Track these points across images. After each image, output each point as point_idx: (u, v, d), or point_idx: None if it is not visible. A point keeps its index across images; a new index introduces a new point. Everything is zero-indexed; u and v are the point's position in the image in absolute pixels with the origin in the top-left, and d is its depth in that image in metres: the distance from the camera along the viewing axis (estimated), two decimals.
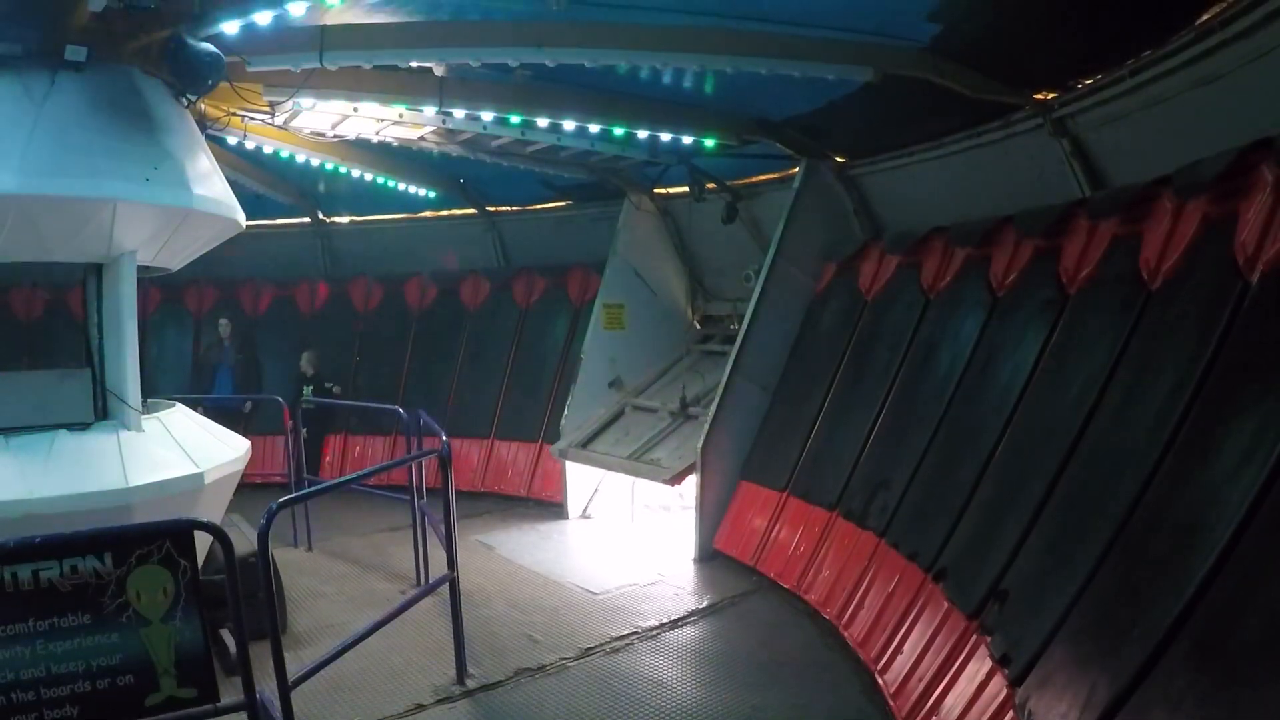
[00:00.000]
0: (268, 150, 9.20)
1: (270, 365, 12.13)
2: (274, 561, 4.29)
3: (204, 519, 4.14)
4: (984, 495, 5.56)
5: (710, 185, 9.75)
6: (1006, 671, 4.36)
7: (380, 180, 10.58)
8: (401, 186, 10.85)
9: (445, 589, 6.02)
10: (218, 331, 11.83)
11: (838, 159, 8.58)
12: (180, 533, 3.88)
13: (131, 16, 5.48)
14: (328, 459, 11.84)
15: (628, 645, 6.60)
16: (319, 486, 5.98)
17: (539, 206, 11.99)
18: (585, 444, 10.17)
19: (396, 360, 12.51)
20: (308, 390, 11.04)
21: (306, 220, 12.83)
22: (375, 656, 5.87)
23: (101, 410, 5.62)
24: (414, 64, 6.95)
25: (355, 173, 10.21)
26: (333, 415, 11.56)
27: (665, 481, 8.91)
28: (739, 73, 6.44)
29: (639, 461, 9.40)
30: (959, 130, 7.12)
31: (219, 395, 11.15)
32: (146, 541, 3.80)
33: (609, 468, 9.79)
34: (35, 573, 3.62)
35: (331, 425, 11.77)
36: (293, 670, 4.36)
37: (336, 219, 13.02)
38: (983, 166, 7.16)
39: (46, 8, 5.21)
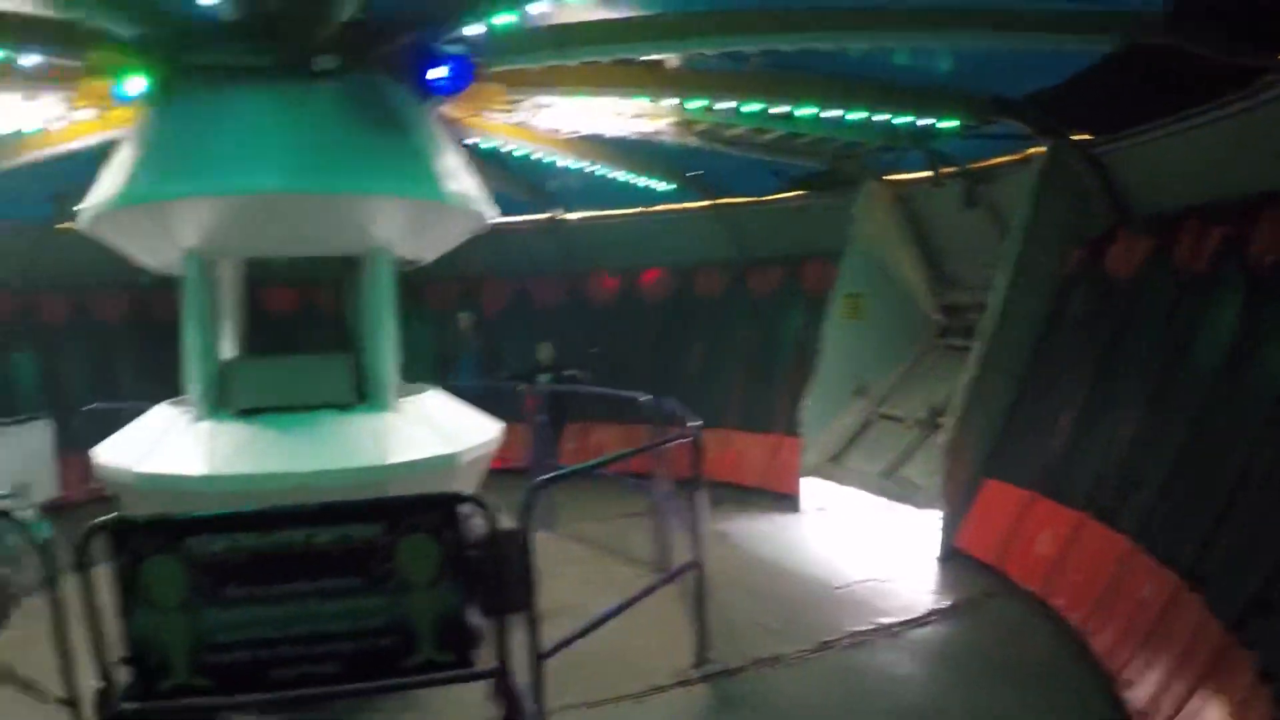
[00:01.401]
0: (505, 149, 9.56)
1: (510, 358, 12.63)
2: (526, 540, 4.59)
3: None
4: (1248, 497, 5.09)
5: (948, 169, 9.37)
6: (1271, 690, 4.02)
7: (614, 175, 10.80)
8: (635, 181, 11.04)
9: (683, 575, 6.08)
10: (460, 324, 12.54)
11: (1081, 136, 8.02)
12: (448, 505, 4.16)
13: (377, 25, 5.91)
14: (567, 446, 12.11)
15: (866, 641, 6.51)
16: (574, 468, 6.17)
17: (771, 197, 11.86)
18: (835, 459, 10.13)
19: (632, 352, 12.79)
20: (546, 379, 11.38)
21: (542, 216, 13.22)
22: (614, 637, 5.92)
23: (362, 393, 6.05)
24: (652, 57, 7.10)
25: (590, 168, 10.47)
26: (571, 404, 11.75)
27: (921, 507, 8.73)
28: (976, 49, 6.20)
29: (891, 480, 9.29)
30: (1208, 100, 6.48)
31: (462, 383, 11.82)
32: (417, 512, 4.11)
33: (862, 487, 9.70)
34: (309, 537, 4.00)
35: (570, 413, 11.96)
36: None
37: (571, 214, 13.34)
38: (1238, 138, 6.49)
39: (297, 21, 5.68)
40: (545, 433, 9.56)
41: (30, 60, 6.23)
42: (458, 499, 4.24)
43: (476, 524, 4.27)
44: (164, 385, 7.09)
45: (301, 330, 12.07)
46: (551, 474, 5.17)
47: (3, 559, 6.81)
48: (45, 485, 8.77)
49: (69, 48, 5.99)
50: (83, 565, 3.88)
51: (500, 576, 4.29)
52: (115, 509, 5.33)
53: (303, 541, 4.00)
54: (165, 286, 10.75)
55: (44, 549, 4.15)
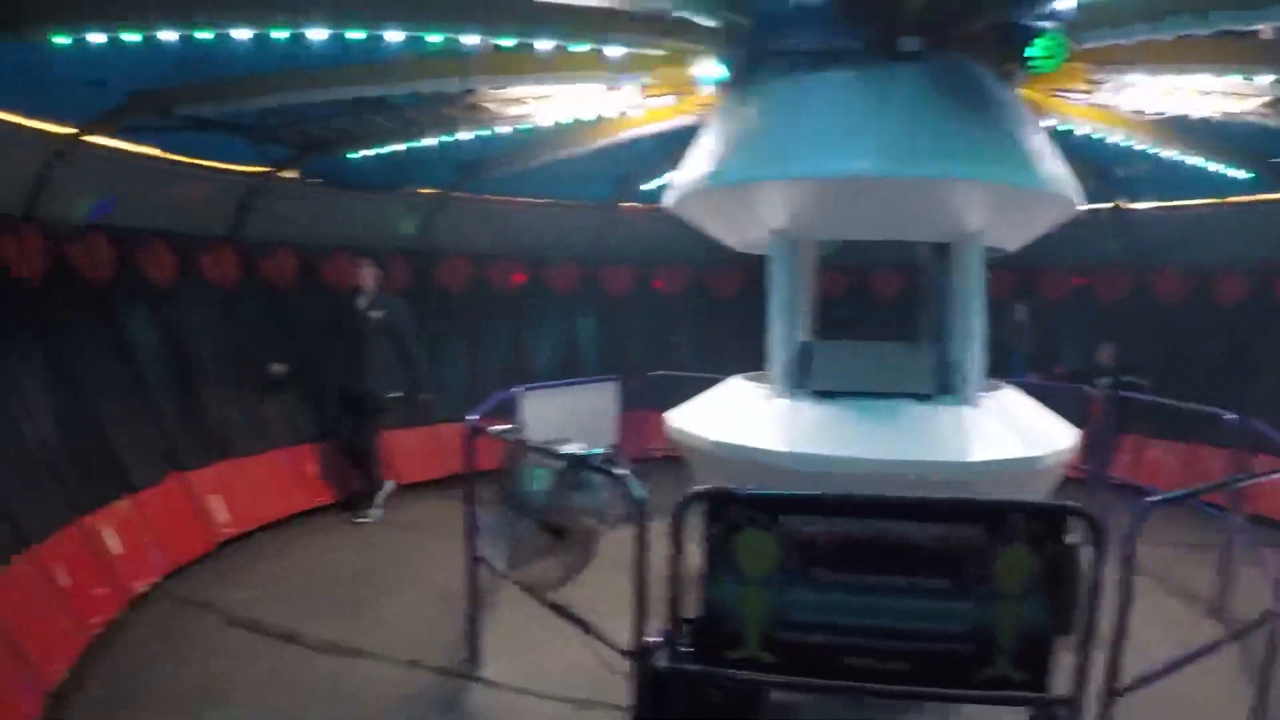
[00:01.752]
0: (1067, 130, 8.76)
1: (1067, 357, 11.97)
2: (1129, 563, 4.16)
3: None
4: None
5: None
6: None
7: (1186, 161, 9.55)
8: (1209, 168, 9.66)
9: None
10: (1014, 316, 11.92)
11: None
12: (1055, 515, 3.89)
13: (961, 3, 5.69)
14: (1121, 460, 10.89)
15: None
16: (1185, 492, 5.29)
17: None
18: None
19: (1200, 360, 11.48)
20: (1103, 383, 10.47)
21: (1102, 205, 11.85)
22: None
23: (943, 384, 5.86)
24: (1255, 26, 6.15)
25: (1161, 153, 9.34)
26: (1130, 414, 10.51)
27: None
28: None
29: None
30: None
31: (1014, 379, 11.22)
32: (1025, 520, 3.84)
33: None
34: (906, 530, 3.89)
35: (1126, 424, 10.77)
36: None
37: (1137, 204, 12.02)
38: None
39: (881, 3, 5.64)
40: (1104, 442, 8.74)
41: (615, 51, 6.81)
42: (1070, 511, 3.91)
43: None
44: (717, 357, 7.40)
45: (851, 314, 11.90)
46: (1168, 495, 4.61)
47: (590, 509, 7.54)
48: (607, 442, 9.58)
49: (653, 38, 6.44)
50: (675, 527, 4.05)
51: (1087, 598, 3.92)
52: (676, 470, 5.65)
53: (898, 534, 3.91)
54: (720, 264, 11.40)
55: (640, 505, 4.34)
